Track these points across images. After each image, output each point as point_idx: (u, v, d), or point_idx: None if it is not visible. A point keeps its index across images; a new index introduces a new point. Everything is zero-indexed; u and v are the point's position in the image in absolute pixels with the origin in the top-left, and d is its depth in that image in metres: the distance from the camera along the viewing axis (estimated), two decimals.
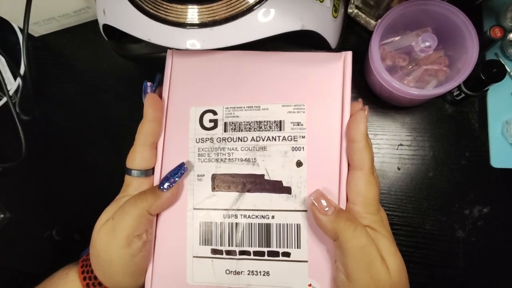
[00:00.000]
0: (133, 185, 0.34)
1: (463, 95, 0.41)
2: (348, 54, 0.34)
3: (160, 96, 0.36)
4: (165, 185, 0.32)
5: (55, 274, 0.35)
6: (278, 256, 0.33)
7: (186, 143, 0.35)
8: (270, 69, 0.35)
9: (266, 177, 0.33)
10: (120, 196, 0.34)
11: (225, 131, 0.34)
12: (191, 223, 0.34)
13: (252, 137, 0.34)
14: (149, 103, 0.34)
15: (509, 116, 0.43)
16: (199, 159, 0.34)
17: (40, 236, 0.48)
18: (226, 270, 0.33)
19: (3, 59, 0.50)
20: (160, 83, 0.36)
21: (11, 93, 0.49)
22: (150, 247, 0.33)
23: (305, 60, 0.35)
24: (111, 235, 0.32)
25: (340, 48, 0.43)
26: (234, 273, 0.33)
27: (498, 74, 0.38)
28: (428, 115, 0.45)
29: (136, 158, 0.33)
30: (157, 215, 0.34)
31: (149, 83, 0.36)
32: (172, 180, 0.33)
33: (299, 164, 0.33)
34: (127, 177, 0.34)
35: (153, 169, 0.35)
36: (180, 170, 0.33)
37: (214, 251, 0.33)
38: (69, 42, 0.50)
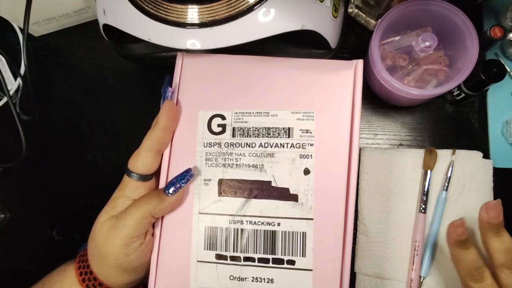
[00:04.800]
0: (130, 186, 0.34)
1: (463, 95, 0.42)
2: (359, 63, 0.34)
3: (176, 101, 0.36)
4: (171, 190, 0.33)
5: (53, 271, 0.36)
6: (283, 263, 0.33)
7: (193, 147, 0.35)
8: (280, 75, 0.35)
9: (273, 184, 0.33)
10: (117, 195, 0.34)
11: (233, 136, 0.34)
12: (197, 227, 0.34)
13: (260, 143, 0.34)
14: (165, 111, 0.34)
15: (509, 116, 0.43)
16: (206, 163, 0.34)
17: (40, 236, 0.48)
18: (230, 276, 0.33)
19: (3, 59, 0.50)
20: (169, 84, 0.36)
21: (11, 93, 0.49)
22: (146, 249, 0.33)
23: (316, 67, 0.35)
24: (112, 231, 0.32)
25: (340, 47, 0.43)
26: (238, 279, 0.33)
27: (498, 74, 0.38)
28: (428, 115, 0.45)
29: (139, 162, 0.34)
30: (163, 218, 0.34)
31: (171, 89, 0.35)
32: (178, 185, 0.33)
33: (306, 172, 0.33)
34: (126, 177, 0.34)
35: (152, 174, 0.35)
36: (186, 176, 0.33)
37: (219, 256, 0.33)
38: (69, 42, 0.50)
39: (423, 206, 0.41)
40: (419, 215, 0.41)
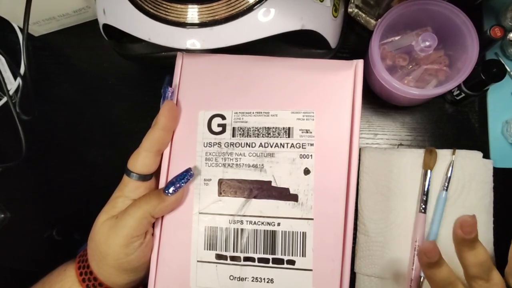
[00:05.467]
0: (129, 186, 0.34)
1: (463, 94, 0.42)
2: (360, 63, 0.34)
3: (176, 101, 0.36)
4: (171, 190, 0.33)
5: (54, 271, 0.36)
6: (283, 263, 0.33)
7: (193, 147, 0.35)
8: (280, 75, 0.35)
9: (273, 184, 0.33)
10: (116, 195, 0.34)
11: (233, 136, 0.34)
12: (197, 227, 0.34)
13: (260, 143, 0.34)
14: (164, 111, 0.34)
15: (509, 116, 0.43)
16: (206, 163, 0.34)
17: (40, 236, 0.48)
18: (230, 276, 0.33)
19: (3, 59, 0.50)
20: (169, 84, 0.36)
21: (11, 93, 0.49)
22: (146, 249, 0.33)
23: (316, 67, 0.35)
24: (112, 231, 0.32)
25: (340, 47, 0.43)
26: (238, 279, 0.33)
27: (498, 73, 0.38)
28: (428, 115, 0.45)
29: (138, 162, 0.34)
30: (163, 218, 0.34)
31: (171, 89, 0.35)
32: (178, 185, 0.33)
33: (306, 171, 0.33)
34: (125, 177, 0.34)
35: (152, 174, 0.35)
36: (186, 176, 0.33)
37: (219, 256, 0.33)
38: (69, 42, 0.50)
39: (423, 206, 0.41)
40: (419, 215, 0.41)
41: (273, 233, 0.33)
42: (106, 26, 0.38)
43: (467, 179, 0.41)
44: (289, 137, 0.34)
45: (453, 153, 0.42)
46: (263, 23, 0.33)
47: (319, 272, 0.32)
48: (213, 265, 0.33)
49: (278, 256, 0.33)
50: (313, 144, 0.33)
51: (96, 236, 0.33)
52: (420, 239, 0.40)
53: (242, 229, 0.33)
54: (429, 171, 0.41)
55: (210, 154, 0.34)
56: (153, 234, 0.34)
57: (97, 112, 0.49)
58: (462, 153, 0.42)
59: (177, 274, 0.34)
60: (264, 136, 0.34)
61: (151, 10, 0.34)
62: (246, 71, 0.36)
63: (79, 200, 0.48)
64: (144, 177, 0.34)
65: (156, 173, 0.35)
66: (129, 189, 0.34)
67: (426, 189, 0.41)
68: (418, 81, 0.40)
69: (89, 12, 0.48)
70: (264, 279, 0.33)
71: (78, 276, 0.34)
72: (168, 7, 0.33)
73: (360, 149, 0.44)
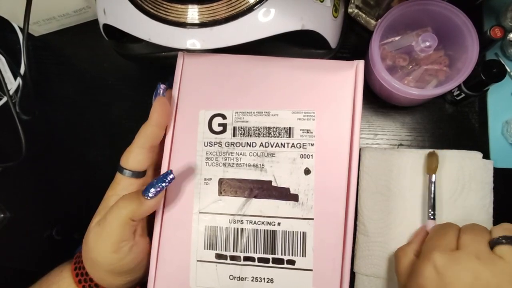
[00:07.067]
0: (122, 184, 0.34)
1: (463, 95, 0.42)
2: (360, 63, 0.34)
3: (170, 99, 0.36)
4: (150, 193, 0.31)
5: (51, 272, 0.36)
6: (283, 263, 0.33)
7: (194, 146, 0.35)
8: (281, 75, 0.35)
9: (273, 184, 0.33)
10: (109, 194, 0.34)
11: (233, 135, 0.34)
12: (197, 227, 0.34)
13: (261, 143, 0.34)
14: (156, 107, 0.34)
15: (509, 116, 0.43)
16: (206, 162, 0.34)
17: (40, 236, 0.48)
18: (230, 275, 0.33)
19: (3, 59, 0.50)
20: (170, 85, 0.36)
21: (11, 92, 0.49)
22: (138, 250, 0.33)
23: (317, 67, 0.35)
24: (99, 239, 0.31)
25: (340, 47, 0.43)
26: (238, 279, 0.33)
27: (498, 74, 0.38)
28: (428, 115, 0.45)
29: (131, 159, 0.33)
30: (163, 217, 0.34)
31: (162, 86, 0.35)
32: (158, 188, 0.32)
33: (307, 171, 0.33)
34: (118, 175, 0.34)
35: (145, 172, 0.34)
36: (167, 178, 0.32)
37: (219, 256, 0.33)
38: (69, 42, 0.50)
39: (432, 212, 0.39)
40: (429, 222, 0.39)
41: (273, 233, 0.33)
42: (106, 26, 0.38)
43: (467, 179, 0.41)
44: (289, 137, 0.34)
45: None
46: (263, 23, 0.33)
47: (319, 272, 0.32)
48: (213, 265, 0.33)
49: (278, 256, 0.33)
50: (313, 144, 0.33)
51: (88, 240, 0.33)
52: None
53: (242, 229, 0.33)
54: (433, 175, 0.40)
55: (210, 153, 0.34)
56: (146, 235, 0.34)
57: (97, 112, 0.49)
58: (462, 153, 0.42)
59: (177, 273, 0.34)
60: (264, 136, 0.34)
61: (151, 10, 0.34)
62: (246, 71, 0.36)
63: (79, 200, 0.48)
64: (137, 174, 0.34)
65: (155, 172, 0.35)
66: (122, 187, 0.34)
67: (433, 195, 0.40)
68: (418, 81, 0.40)
69: (89, 12, 0.48)
70: (264, 279, 0.33)
71: (74, 277, 0.34)
72: (168, 7, 0.33)
73: (360, 149, 0.44)
